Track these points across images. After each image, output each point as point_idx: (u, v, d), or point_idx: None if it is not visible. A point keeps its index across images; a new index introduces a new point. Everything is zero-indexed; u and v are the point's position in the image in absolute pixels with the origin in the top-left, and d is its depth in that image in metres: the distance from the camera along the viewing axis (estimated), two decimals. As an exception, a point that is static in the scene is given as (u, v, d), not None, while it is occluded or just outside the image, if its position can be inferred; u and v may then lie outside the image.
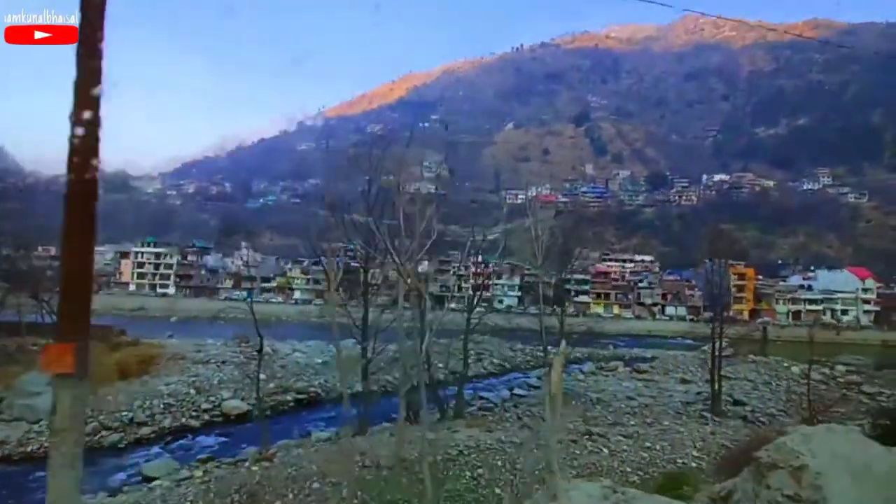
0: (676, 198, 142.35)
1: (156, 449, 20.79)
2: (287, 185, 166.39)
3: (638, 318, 69.77)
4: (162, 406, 23.46)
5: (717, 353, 25.70)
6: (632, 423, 22.50)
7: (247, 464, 17.80)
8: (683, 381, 31.68)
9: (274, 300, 77.44)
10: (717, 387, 25.33)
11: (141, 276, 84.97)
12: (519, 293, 73.66)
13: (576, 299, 67.06)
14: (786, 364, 36.21)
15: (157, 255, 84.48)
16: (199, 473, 17.20)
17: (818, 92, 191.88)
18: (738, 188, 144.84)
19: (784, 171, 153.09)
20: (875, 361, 41.49)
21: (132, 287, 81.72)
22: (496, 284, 72.20)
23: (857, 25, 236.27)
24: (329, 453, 17.74)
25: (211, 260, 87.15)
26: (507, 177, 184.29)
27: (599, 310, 72.96)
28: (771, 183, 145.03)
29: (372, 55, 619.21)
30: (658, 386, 30.66)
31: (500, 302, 70.90)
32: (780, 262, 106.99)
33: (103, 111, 2.17)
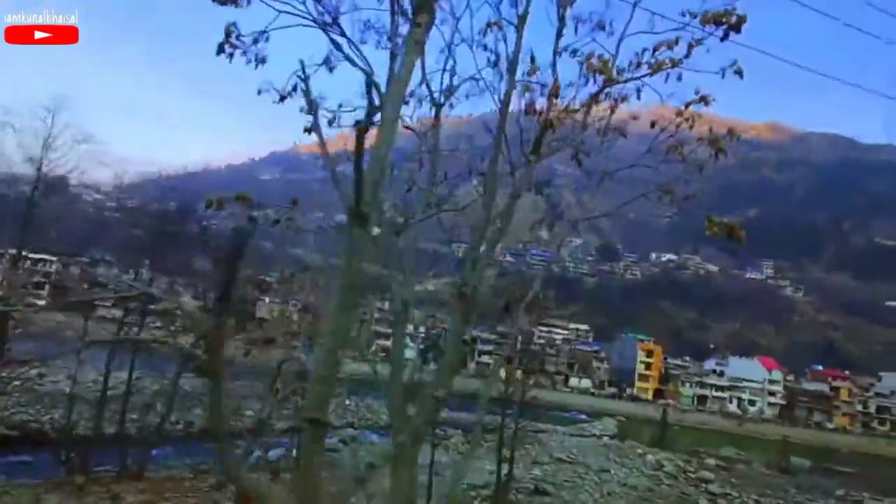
0: (621, 271, 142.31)
1: None
2: (235, 211, 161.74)
3: (537, 385, 65.42)
4: None
5: (505, 432, 21.73)
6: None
7: None
8: (505, 460, 27.36)
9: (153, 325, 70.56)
10: (503, 472, 21.23)
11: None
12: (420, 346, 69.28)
13: (478, 359, 62.91)
14: (640, 451, 32.33)
15: (35, 263, 77.30)
16: None
17: (770, 188, 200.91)
18: (684, 269, 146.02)
19: (731, 258, 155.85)
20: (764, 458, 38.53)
21: None
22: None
23: (809, 133, 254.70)
24: None
25: (103, 275, 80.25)
26: (463, 231, 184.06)
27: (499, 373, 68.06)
28: (715, 268, 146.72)
29: (356, 97, 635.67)
30: (471, 465, 26.21)
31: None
32: (712, 346, 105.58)
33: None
